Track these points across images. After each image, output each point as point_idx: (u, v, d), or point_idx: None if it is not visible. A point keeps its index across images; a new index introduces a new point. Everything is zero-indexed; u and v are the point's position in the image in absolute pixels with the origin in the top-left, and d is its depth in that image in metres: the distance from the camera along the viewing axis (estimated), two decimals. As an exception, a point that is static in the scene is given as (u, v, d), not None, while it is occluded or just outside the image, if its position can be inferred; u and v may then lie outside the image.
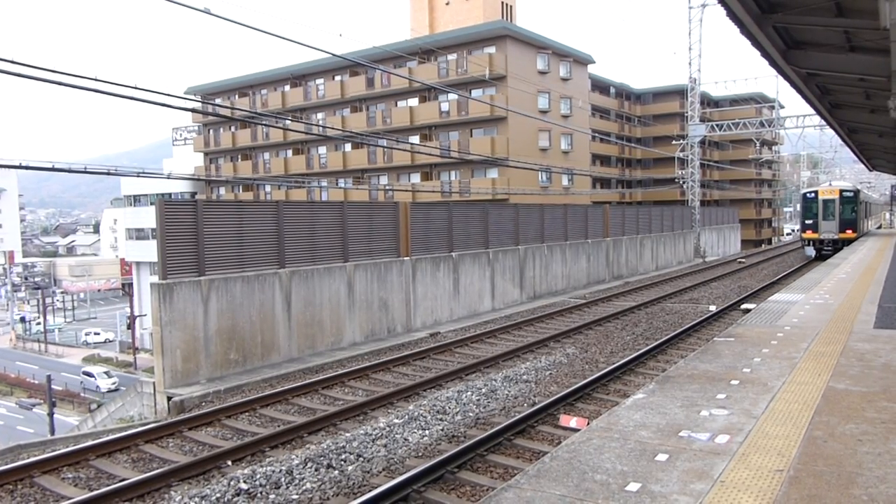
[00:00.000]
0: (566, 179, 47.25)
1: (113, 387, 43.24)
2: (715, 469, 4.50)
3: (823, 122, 32.69)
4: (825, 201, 31.41)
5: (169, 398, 11.08)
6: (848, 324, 9.84)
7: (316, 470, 7.35)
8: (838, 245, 30.51)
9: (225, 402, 10.55)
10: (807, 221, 32.08)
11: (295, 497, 6.75)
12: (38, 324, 67.75)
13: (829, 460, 4.62)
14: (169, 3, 10.43)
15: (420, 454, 7.89)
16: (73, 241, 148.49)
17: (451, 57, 43.29)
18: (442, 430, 8.67)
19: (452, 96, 42.53)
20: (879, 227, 59.30)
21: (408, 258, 17.06)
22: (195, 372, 11.83)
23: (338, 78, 50.51)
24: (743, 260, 37.10)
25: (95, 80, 10.73)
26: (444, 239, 18.58)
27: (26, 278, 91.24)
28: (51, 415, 31.02)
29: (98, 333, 64.81)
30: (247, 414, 9.99)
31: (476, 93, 42.82)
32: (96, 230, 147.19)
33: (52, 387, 33.05)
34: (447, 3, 50.82)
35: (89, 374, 46.53)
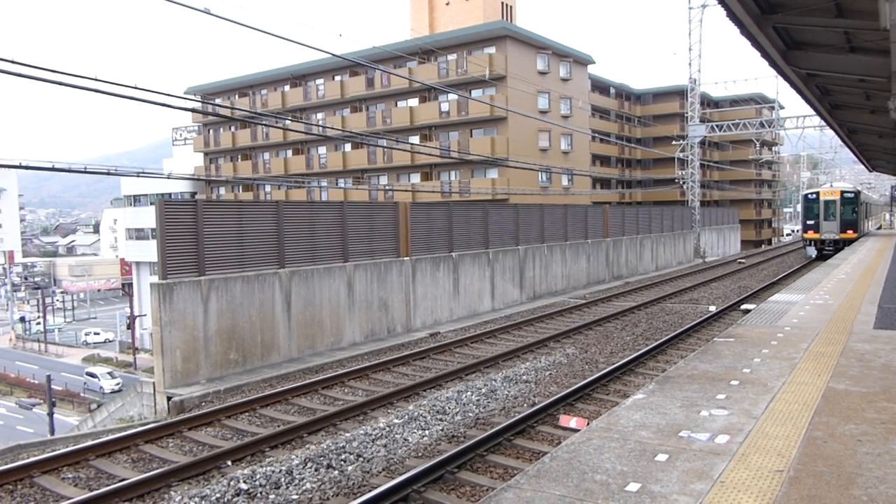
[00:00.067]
0: (566, 179, 47.25)
1: (117, 388, 43.14)
2: (715, 469, 4.50)
3: (823, 123, 32.83)
4: (826, 202, 31.84)
5: (169, 398, 11.08)
6: (848, 324, 9.84)
7: (316, 470, 7.35)
8: (839, 245, 30.91)
9: (225, 403, 10.55)
10: (808, 222, 32.50)
11: (295, 497, 6.75)
12: (38, 324, 67.75)
13: (828, 461, 4.62)
14: (169, 2, 10.44)
15: (420, 454, 7.89)
16: (72, 241, 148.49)
17: (451, 57, 43.30)
18: (442, 430, 8.67)
19: (452, 96, 42.54)
20: (879, 228, 59.32)
21: (408, 258, 17.06)
22: (195, 372, 11.83)
23: (338, 78, 50.52)
24: (743, 260, 37.10)
25: (95, 80, 10.73)
26: (443, 239, 18.58)
27: (26, 278, 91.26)
28: (50, 415, 31.02)
29: (98, 333, 64.80)
30: (247, 414, 9.99)
31: (476, 93, 42.82)
32: (96, 230, 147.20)
33: (52, 387, 33.05)
34: (447, 4, 50.83)
35: (93, 375, 46.32)
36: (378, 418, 9.30)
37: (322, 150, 52.01)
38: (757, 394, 6.27)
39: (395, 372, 12.48)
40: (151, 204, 45.25)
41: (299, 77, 53.20)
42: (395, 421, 8.92)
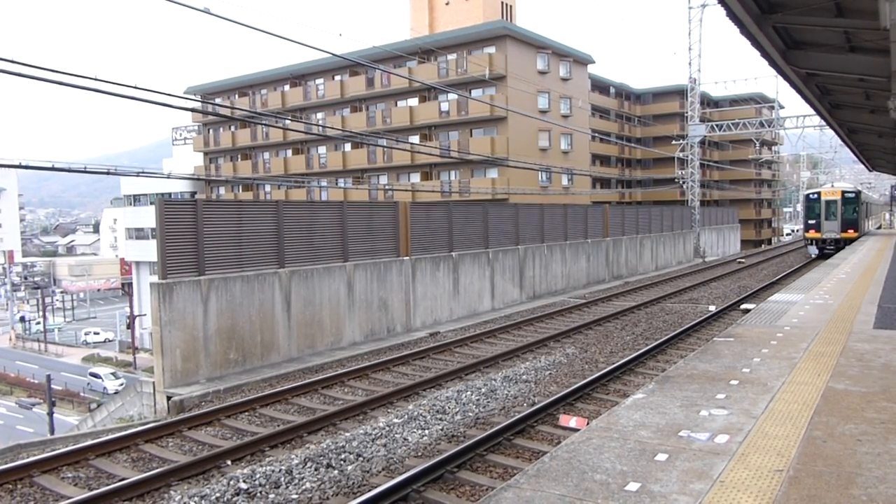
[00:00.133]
0: (566, 179, 47.25)
1: (121, 388, 43.01)
2: (714, 469, 4.51)
3: (823, 123, 32.99)
4: (827, 202, 32.28)
5: (168, 398, 11.08)
6: (847, 324, 9.85)
7: (315, 469, 7.35)
8: (840, 244, 31.35)
9: (224, 402, 10.55)
10: (810, 221, 32.97)
11: (294, 497, 6.75)
12: (38, 323, 67.73)
13: (828, 460, 4.62)
14: (169, 2, 10.43)
15: (420, 454, 7.89)
16: (72, 241, 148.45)
17: (451, 57, 43.29)
18: (441, 429, 8.67)
19: (452, 96, 42.54)
20: (879, 228, 59.34)
21: (407, 258, 17.06)
22: (195, 372, 11.83)
23: (338, 78, 50.51)
24: (742, 260, 37.12)
25: (96, 79, 10.73)
26: (443, 239, 18.58)
27: (26, 278, 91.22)
28: (50, 414, 31.02)
29: (98, 333, 64.78)
30: (246, 413, 9.99)
31: (476, 93, 42.82)
32: (96, 230, 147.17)
33: (52, 386, 33.05)
34: (447, 3, 50.82)
35: (96, 376, 45.90)
36: (378, 418, 9.30)
37: (322, 149, 52.00)
38: (756, 393, 6.27)
39: (394, 371, 12.49)
40: (151, 203, 45.25)
41: (299, 77, 53.19)
42: (395, 420, 8.92)
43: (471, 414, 9.34)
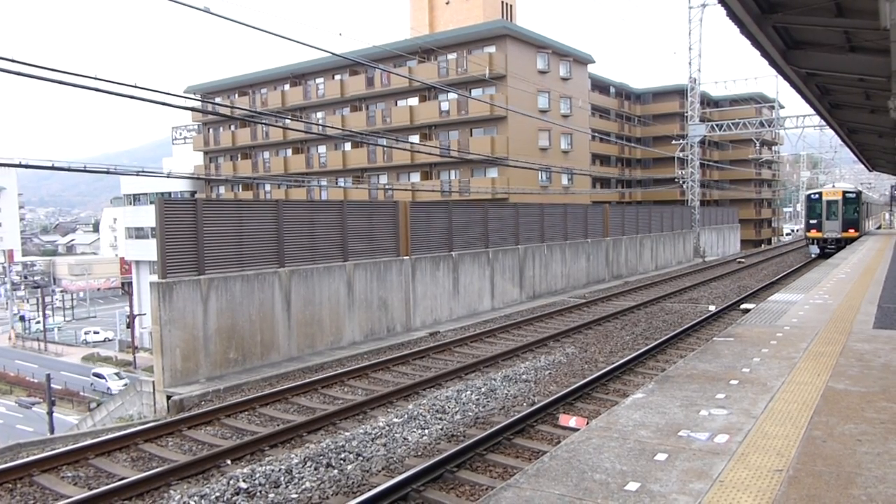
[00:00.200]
0: (566, 179, 47.26)
1: (124, 388, 42.88)
2: (714, 469, 4.51)
3: (823, 123, 33.08)
4: (829, 202, 32.74)
5: (168, 397, 11.08)
6: (847, 324, 9.85)
7: (315, 469, 7.35)
8: (841, 243, 31.84)
9: (224, 402, 10.55)
10: (811, 221, 33.48)
11: (294, 496, 6.75)
12: (38, 322, 67.73)
13: (828, 460, 4.62)
14: (169, 2, 10.43)
15: (419, 453, 7.89)
16: (72, 240, 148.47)
17: (451, 56, 43.28)
18: (441, 429, 8.67)
19: (452, 96, 42.53)
20: (879, 227, 59.38)
21: (407, 257, 17.06)
22: (195, 371, 11.83)
23: (338, 77, 50.51)
24: (742, 260, 37.13)
25: (96, 79, 10.74)
26: (443, 238, 18.58)
27: (26, 277, 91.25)
28: (50, 413, 31.00)
29: (97, 332, 64.77)
30: (246, 413, 9.99)
31: (476, 92, 42.81)
32: (96, 229, 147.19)
33: (52, 386, 33.04)
34: (447, 3, 50.81)
35: (100, 376, 45.58)
36: (378, 417, 9.30)
37: (322, 149, 52.00)
38: (756, 393, 6.27)
39: (394, 371, 12.49)
40: (151, 203, 45.25)
41: (299, 76, 53.18)
42: (395, 420, 8.92)
43: (470, 413, 9.34)
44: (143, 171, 17.01)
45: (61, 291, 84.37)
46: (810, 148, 76.60)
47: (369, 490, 6.51)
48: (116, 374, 46.13)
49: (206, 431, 9.27)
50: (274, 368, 12.69)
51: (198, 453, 8.29)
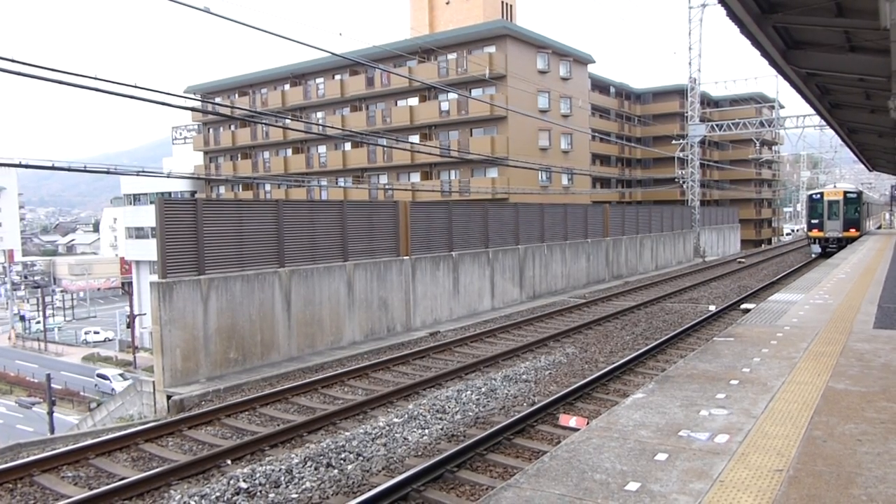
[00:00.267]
0: (566, 179, 47.25)
1: (125, 388, 42.65)
2: (714, 469, 4.51)
3: (823, 122, 33.18)
4: (830, 202, 33.18)
5: (168, 397, 11.08)
6: (847, 324, 9.85)
7: (315, 469, 7.35)
8: (842, 243, 32.26)
9: (225, 401, 10.55)
10: (813, 221, 33.93)
11: (294, 496, 6.75)
12: (38, 322, 67.72)
13: (828, 460, 4.62)
14: (169, 2, 10.43)
15: (420, 453, 7.90)
16: (72, 240, 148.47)
17: (451, 56, 43.27)
18: (441, 429, 8.67)
19: (452, 96, 42.53)
20: (879, 227, 59.38)
21: (407, 257, 17.06)
22: (195, 371, 11.83)
23: (338, 77, 50.50)
24: (742, 260, 37.14)
25: (96, 78, 10.74)
26: (443, 238, 18.58)
27: (26, 277, 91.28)
28: (50, 413, 31.01)
29: (98, 332, 64.75)
30: (246, 413, 9.99)
31: (476, 92, 42.80)
32: (96, 229, 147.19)
33: (52, 385, 33.04)
34: (447, 3, 50.80)
35: (104, 377, 45.28)
36: (378, 417, 9.30)
37: (322, 149, 52.00)
38: (756, 393, 6.27)
39: (394, 371, 12.49)
40: (151, 203, 45.19)
41: (299, 76, 53.18)
42: (395, 420, 8.92)
43: (471, 413, 9.34)
44: (143, 171, 17.02)
45: (61, 291, 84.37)
46: (810, 148, 76.62)
47: (369, 490, 6.51)
48: (121, 374, 45.89)
49: (207, 431, 9.27)
50: (274, 368, 12.69)
51: (198, 453, 8.29)
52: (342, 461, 7.58)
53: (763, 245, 69.38)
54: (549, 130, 45.04)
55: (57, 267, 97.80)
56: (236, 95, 57.23)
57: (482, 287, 19.94)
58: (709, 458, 4.68)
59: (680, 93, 60.21)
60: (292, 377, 12.26)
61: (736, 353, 7.99)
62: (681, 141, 46.44)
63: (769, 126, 47.41)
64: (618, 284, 26.43)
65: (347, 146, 50.05)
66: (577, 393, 9.90)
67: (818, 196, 33.80)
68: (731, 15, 9.76)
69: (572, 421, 8.70)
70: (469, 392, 10.26)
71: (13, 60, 9.53)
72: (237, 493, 6.74)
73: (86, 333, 64.82)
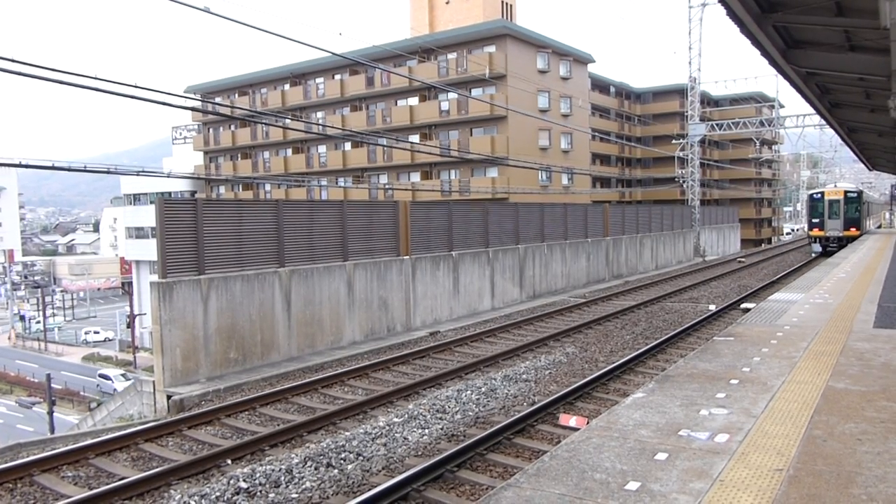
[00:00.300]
0: (566, 178, 47.25)
1: (125, 388, 42.52)
2: (714, 468, 4.51)
3: (823, 122, 33.22)
4: (830, 201, 33.41)
5: (168, 397, 11.08)
6: (847, 323, 9.85)
7: (315, 469, 7.35)
8: (843, 242, 32.47)
9: (225, 401, 10.55)
10: (813, 220, 34.18)
11: (294, 496, 6.75)
12: (38, 322, 67.72)
13: (828, 459, 4.62)
14: (169, 2, 10.43)
15: (420, 453, 7.89)
16: (72, 240, 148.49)
17: (451, 56, 43.27)
18: (441, 428, 8.67)
19: (452, 95, 42.52)
20: (879, 227, 59.39)
21: (407, 257, 17.06)
22: (195, 371, 11.83)
23: (338, 77, 50.50)
24: (743, 259, 37.14)
25: (96, 78, 10.74)
26: (443, 238, 18.57)
27: (26, 277, 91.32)
28: (50, 413, 31.01)
29: (98, 332, 64.76)
30: (246, 413, 9.99)
31: (476, 92, 42.80)
32: (96, 229, 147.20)
33: (52, 385, 33.05)
34: (447, 2, 50.80)
35: (106, 377, 45.00)
36: (378, 417, 9.30)
37: (322, 148, 51.99)
38: (756, 393, 6.27)
39: (394, 371, 12.49)
40: (151, 203, 45.23)
41: (299, 76, 53.17)
42: (395, 420, 8.92)
43: (471, 413, 9.34)
44: (144, 171, 17.02)
45: (61, 291, 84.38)
46: (810, 147, 76.58)
47: (369, 490, 6.51)
48: (123, 375, 45.80)
49: (207, 431, 9.27)
50: (274, 368, 12.69)
51: (198, 453, 8.29)
52: (342, 461, 7.58)
53: (763, 244, 69.38)
54: (549, 130, 45.04)
55: (57, 267, 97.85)
56: (236, 95, 57.23)
57: (482, 287, 19.94)
58: (709, 458, 4.68)
59: (680, 92, 60.21)
60: (292, 377, 12.26)
61: (736, 353, 7.99)
62: (681, 140, 46.43)
63: (769, 125, 47.40)
64: (618, 284, 26.42)
65: (347, 146, 50.05)
66: (577, 392, 9.89)
67: (819, 195, 33.99)
68: (731, 14, 9.75)
69: (572, 420, 8.70)
70: (469, 392, 10.26)
71: (13, 60, 9.52)
72: (237, 493, 6.74)
73: (86, 333, 64.83)
